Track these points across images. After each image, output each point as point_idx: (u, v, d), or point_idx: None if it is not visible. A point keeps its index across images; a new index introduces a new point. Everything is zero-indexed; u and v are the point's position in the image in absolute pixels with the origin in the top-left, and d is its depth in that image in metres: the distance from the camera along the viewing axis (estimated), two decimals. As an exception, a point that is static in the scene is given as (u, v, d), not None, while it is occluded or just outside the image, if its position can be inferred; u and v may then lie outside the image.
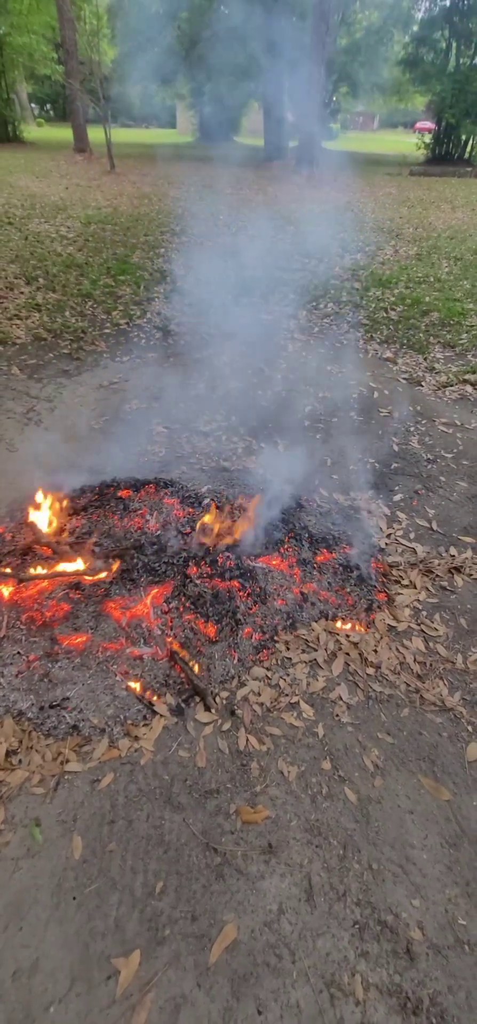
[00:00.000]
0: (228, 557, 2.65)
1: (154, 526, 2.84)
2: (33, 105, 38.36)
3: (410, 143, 28.36)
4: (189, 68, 24.82)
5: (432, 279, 7.96)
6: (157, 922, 1.62)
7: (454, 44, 25.29)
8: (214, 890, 1.68)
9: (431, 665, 2.33)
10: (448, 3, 25.06)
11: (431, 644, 2.42)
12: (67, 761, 1.99)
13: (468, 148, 25.90)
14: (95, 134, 22.46)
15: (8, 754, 2.01)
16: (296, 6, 19.71)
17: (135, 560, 2.61)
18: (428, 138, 26.59)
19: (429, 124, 28.72)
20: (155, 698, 2.18)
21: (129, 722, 2.12)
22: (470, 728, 2.10)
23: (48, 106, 46.72)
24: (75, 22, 21.10)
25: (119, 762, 2.00)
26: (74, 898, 1.67)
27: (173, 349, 5.61)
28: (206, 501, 3.05)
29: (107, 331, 6.01)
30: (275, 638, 2.42)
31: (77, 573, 2.56)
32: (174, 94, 33.04)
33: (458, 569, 2.81)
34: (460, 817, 1.84)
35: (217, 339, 5.79)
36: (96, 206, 12.42)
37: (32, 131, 29.40)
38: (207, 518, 2.89)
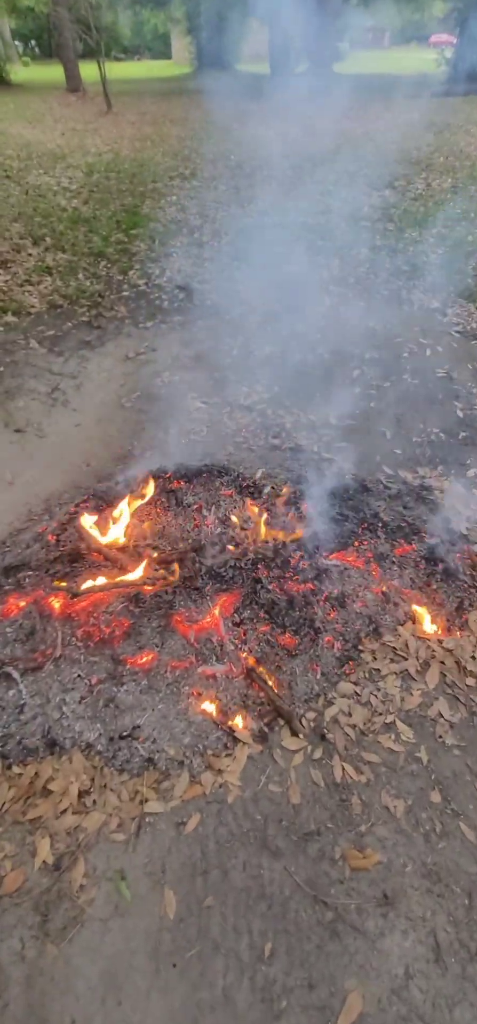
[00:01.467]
0: (301, 556, 2.45)
1: (213, 522, 2.64)
2: (16, 43, 36.38)
3: (427, 59, 26.57)
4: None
5: (473, 215, 7.44)
6: (271, 991, 1.49)
7: None
8: (330, 951, 1.54)
9: None
10: None
11: None
12: (146, 801, 1.85)
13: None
14: (87, 71, 21.34)
15: (81, 795, 1.87)
16: None
17: (197, 565, 2.42)
18: (449, 52, 24.83)
19: (445, 37, 26.87)
20: (236, 723, 2.02)
21: (210, 752, 1.96)
22: None
23: (32, 43, 44.42)
24: None
25: (204, 800, 1.85)
26: (174, 965, 1.54)
27: (199, 311, 5.29)
28: (267, 490, 2.83)
29: (125, 293, 5.69)
30: (359, 647, 2.23)
31: (135, 583, 2.37)
32: (168, 19, 31.21)
33: None
34: None
35: (245, 297, 5.45)
36: (96, 152, 11.82)
37: (18, 72, 27.96)
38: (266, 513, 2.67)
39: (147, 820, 1.82)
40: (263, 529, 2.57)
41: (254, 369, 4.26)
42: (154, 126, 14.81)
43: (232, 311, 5.20)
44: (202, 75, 28.45)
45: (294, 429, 3.58)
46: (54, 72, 25.74)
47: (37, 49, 44.38)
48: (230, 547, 2.50)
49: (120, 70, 30.69)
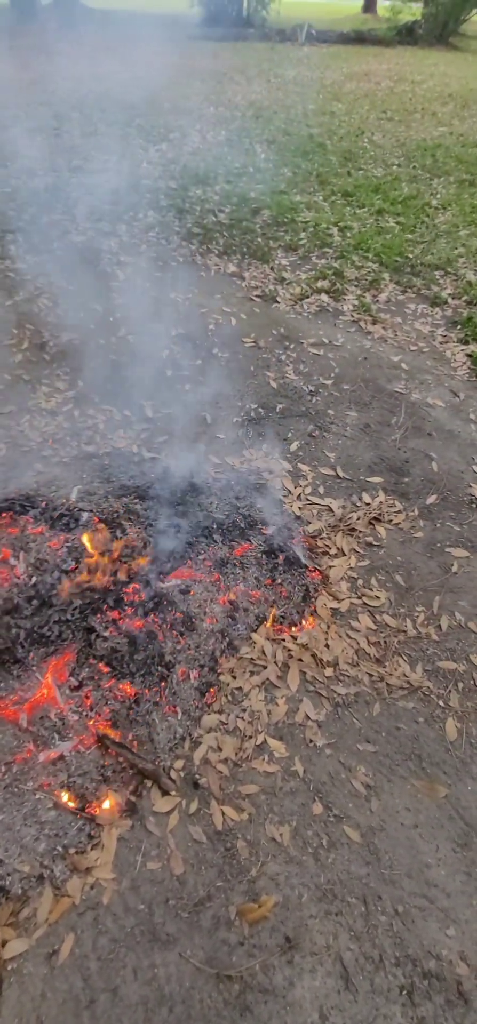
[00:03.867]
0: (135, 589, 2.25)
1: (24, 572, 2.27)
2: None
3: None
4: None
5: (252, 169, 7.63)
6: None
7: None
8: (243, 1029, 1.46)
9: (385, 642, 2.28)
10: None
11: (378, 617, 2.36)
12: (5, 943, 1.55)
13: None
14: None
15: None
16: None
17: (13, 630, 2.07)
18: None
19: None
20: (97, 805, 1.79)
21: (72, 851, 1.71)
22: (441, 703, 2.11)
23: None
24: None
25: (76, 913, 1.61)
26: None
27: (-29, 299, 4.57)
28: (85, 516, 2.53)
29: None
30: (217, 669, 2.14)
31: None
32: None
33: (377, 519, 2.78)
34: (461, 810, 1.85)
35: (25, 277, 4.85)
36: None
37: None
38: (88, 544, 2.40)
39: (10, 968, 1.52)
40: (85, 573, 2.30)
41: (51, 364, 3.82)
42: None
43: (11, 297, 4.58)
44: None
45: (108, 429, 3.29)
46: None
47: None
48: (53, 596, 2.19)
49: None
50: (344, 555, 2.59)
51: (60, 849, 1.72)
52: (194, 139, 8.88)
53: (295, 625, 2.30)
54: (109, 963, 1.54)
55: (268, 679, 2.14)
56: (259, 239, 5.78)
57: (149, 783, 1.86)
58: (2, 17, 19.86)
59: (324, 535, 2.67)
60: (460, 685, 2.18)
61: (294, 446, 3.22)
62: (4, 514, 2.52)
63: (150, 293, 4.71)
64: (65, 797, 1.81)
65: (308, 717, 2.05)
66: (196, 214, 6.27)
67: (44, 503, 2.62)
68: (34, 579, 2.26)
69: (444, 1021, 1.47)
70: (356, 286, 5.04)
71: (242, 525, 2.63)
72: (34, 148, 7.87)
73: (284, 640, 2.25)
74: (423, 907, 1.65)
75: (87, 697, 1.99)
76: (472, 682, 2.19)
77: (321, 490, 2.94)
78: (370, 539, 2.69)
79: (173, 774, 1.89)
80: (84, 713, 1.97)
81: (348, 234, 5.96)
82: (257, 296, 4.79)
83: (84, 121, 9.19)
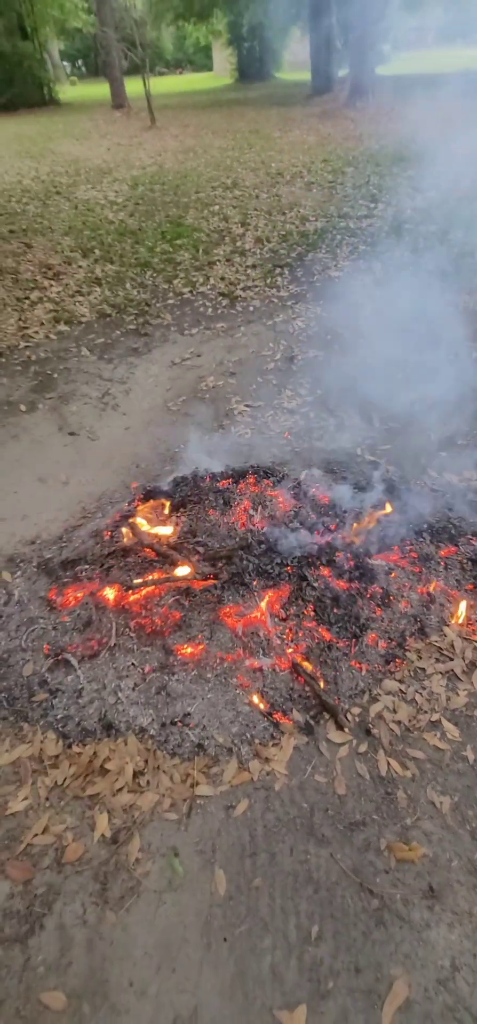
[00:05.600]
0: (346, 556, 2.48)
1: (260, 522, 2.69)
2: (64, 63, 37.56)
3: (473, 56, 25.85)
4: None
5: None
6: (318, 972, 1.53)
7: None
8: (376, 938, 1.57)
9: None
10: None
11: None
12: (197, 784, 1.92)
13: None
14: (131, 87, 21.85)
15: (135, 775, 1.96)
16: None
17: (245, 561, 2.48)
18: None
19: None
20: (282, 716, 2.07)
21: (257, 741, 2.02)
22: None
23: (79, 62, 45.82)
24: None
25: (252, 787, 1.91)
26: (225, 939, 1.60)
27: (243, 317, 5.37)
28: (311, 492, 2.87)
29: (171, 302, 5.84)
30: (404, 646, 2.24)
31: (185, 578, 2.45)
32: (209, 32, 31.60)
33: None
34: None
35: (286, 303, 5.50)
36: (141, 166, 12.11)
37: (66, 90, 28.89)
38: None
39: (198, 802, 1.88)
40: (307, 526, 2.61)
41: (297, 374, 4.30)
42: (196, 138, 15.05)
43: (274, 316, 5.25)
44: (243, 86, 28.68)
45: (337, 431, 3.60)
46: (100, 90, 26.49)
47: (84, 68, 45.70)
48: (278, 544, 2.55)
49: (163, 84, 31.32)
50: None
51: (248, 736, 2.04)
52: (465, 183, 8.77)
53: (489, 631, 2.27)
54: (272, 833, 1.80)
55: (453, 670, 2.17)
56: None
57: (327, 716, 2.07)
58: (304, 87, 22.15)
59: None
60: None
61: None
62: (250, 476, 3.00)
63: (393, 319, 4.90)
64: (257, 700, 2.13)
65: (488, 716, 2.02)
66: (454, 254, 6.24)
67: (281, 475, 3.03)
68: (265, 529, 2.66)
69: None
70: None
71: (452, 531, 2.66)
72: (310, 199, 8.74)
73: (475, 641, 2.24)
74: None
75: (291, 630, 2.29)
76: None
77: None
78: None
79: (349, 716, 2.07)
80: (286, 641, 2.27)
81: None
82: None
83: (357, 175, 9.81)
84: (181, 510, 2.84)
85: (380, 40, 21.31)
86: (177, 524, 2.75)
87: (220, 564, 2.48)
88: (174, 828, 1.83)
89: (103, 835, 1.82)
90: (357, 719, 2.05)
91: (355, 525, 2.66)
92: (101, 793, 1.91)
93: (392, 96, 16.99)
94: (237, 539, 2.61)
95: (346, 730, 2.02)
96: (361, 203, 8.27)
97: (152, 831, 1.83)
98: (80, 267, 6.75)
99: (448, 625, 2.30)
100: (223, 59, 34.11)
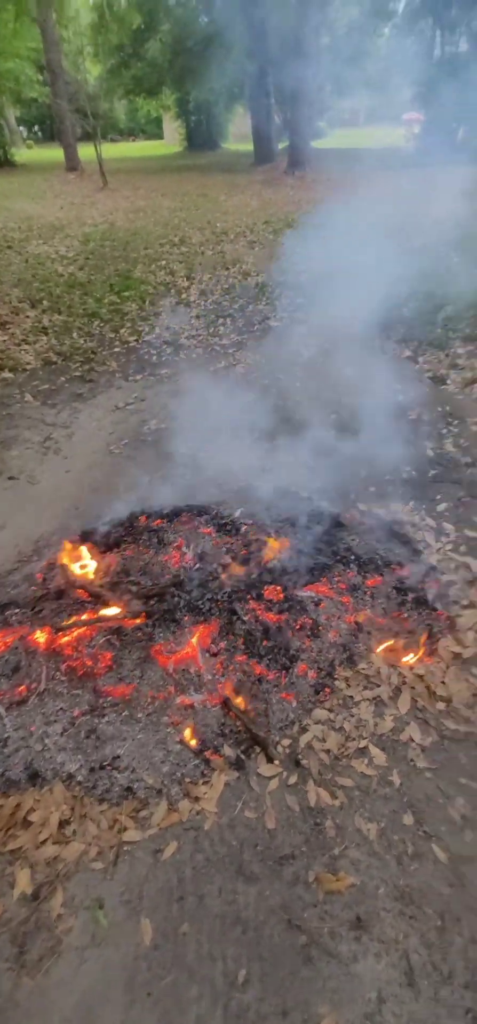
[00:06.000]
0: (275, 589, 2.49)
1: (192, 559, 2.68)
2: (21, 128, 38.23)
3: (398, 135, 28.02)
4: (173, 79, 24.65)
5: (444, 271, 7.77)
6: (245, 1019, 1.45)
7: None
8: (304, 976, 1.51)
9: (507, 695, 2.16)
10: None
11: (503, 671, 2.24)
12: (125, 829, 1.84)
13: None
14: (85, 151, 22.39)
15: (61, 824, 1.85)
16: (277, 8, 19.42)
17: (176, 598, 2.45)
18: (417, 129, 26.24)
19: (416, 114, 28.29)
20: (213, 753, 2.02)
21: (187, 780, 1.96)
22: None
23: (36, 128, 46.73)
24: (60, 43, 21.04)
25: (181, 827, 1.84)
26: (149, 994, 1.51)
27: (186, 363, 5.46)
28: (244, 529, 2.88)
29: (117, 350, 5.88)
30: (333, 675, 2.25)
31: (116, 617, 2.40)
32: (159, 105, 32.96)
33: (518, 585, 2.64)
34: None
35: (230, 349, 5.65)
36: (92, 223, 12.32)
37: (23, 154, 29.34)
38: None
39: (125, 848, 1.80)
40: (236, 566, 2.62)
41: (237, 416, 4.37)
42: (147, 199, 15.50)
43: (216, 363, 5.37)
44: (192, 154, 29.96)
45: (276, 468, 3.66)
46: (55, 154, 27.00)
47: (39, 133, 46.52)
48: (210, 581, 2.54)
49: (116, 150, 32.27)
50: (476, 609, 2.51)
51: (179, 775, 1.98)
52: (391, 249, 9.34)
53: (414, 657, 2.31)
54: (201, 874, 1.73)
55: (380, 696, 2.18)
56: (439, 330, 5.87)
57: (258, 749, 2.04)
58: (248, 157, 23.29)
59: (457, 585, 2.62)
60: None
61: (441, 507, 3.21)
62: (184, 515, 3.00)
63: (335, 367, 5.08)
64: (189, 737, 2.08)
65: (413, 739, 2.03)
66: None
67: (214, 513, 3.04)
68: (197, 565, 2.64)
69: (509, 1059, 1.35)
70: None
71: (378, 562, 2.73)
72: (252, 256, 9.10)
73: (401, 668, 2.27)
74: (505, 947, 1.53)
75: (221, 664, 2.26)
76: None
77: (463, 549, 2.89)
78: (507, 601, 2.56)
79: (279, 748, 2.04)
80: (216, 676, 2.24)
81: None
82: (428, 377, 4.87)
83: (295, 235, 10.31)
84: (115, 550, 2.79)
85: (316, 118, 22.85)
86: (111, 564, 2.70)
87: (152, 602, 2.44)
88: (100, 878, 1.74)
89: (23, 892, 1.70)
90: (287, 751, 2.03)
91: (278, 554, 2.69)
92: (23, 847, 1.80)
93: (327, 166, 18.10)
94: (169, 576, 2.58)
95: (276, 762, 1.99)
96: (297, 260, 8.65)
97: (77, 883, 1.73)
98: (28, 317, 6.72)
99: (374, 652, 2.33)
100: (173, 129, 35.54)
